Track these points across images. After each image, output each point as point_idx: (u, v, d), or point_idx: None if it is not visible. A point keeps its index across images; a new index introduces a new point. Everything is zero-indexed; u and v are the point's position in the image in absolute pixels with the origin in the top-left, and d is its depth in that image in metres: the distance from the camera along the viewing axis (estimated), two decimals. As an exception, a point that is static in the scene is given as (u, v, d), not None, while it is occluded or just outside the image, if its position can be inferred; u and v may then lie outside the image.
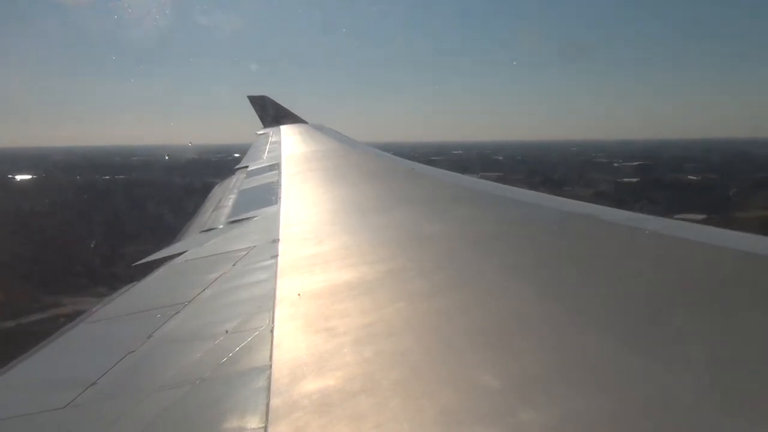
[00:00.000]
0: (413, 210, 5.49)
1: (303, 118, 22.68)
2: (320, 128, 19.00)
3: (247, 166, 13.07)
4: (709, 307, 2.35)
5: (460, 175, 8.62)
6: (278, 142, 16.28)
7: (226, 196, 10.01)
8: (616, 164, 67.63)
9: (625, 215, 4.13)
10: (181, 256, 5.38)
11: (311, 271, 3.73)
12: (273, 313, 3.02)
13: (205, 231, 7.04)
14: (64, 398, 2.49)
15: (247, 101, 24.04)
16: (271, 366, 2.37)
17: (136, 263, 6.09)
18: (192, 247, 5.84)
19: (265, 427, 1.91)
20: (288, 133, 18.43)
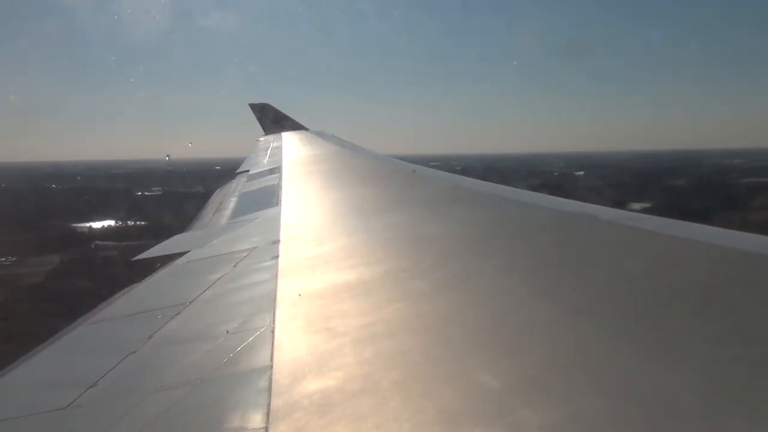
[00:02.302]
0: (413, 211, 5.50)
1: (304, 125, 22.65)
2: (321, 134, 19.01)
3: (248, 170, 13.10)
4: (708, 307, 2.34)
5: (460, 177, 8.63)
6: (279, 147, 16.32)
7: (226, 199, 10.03)
8: (555, 173, 73.40)
9: (624, 215, 4.14)
10: (183, 257, 5.39)
11: (312, 272, 3.74)
12: (274, 313, 3.03)
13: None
14: (66, 398, 2.50)
15: (248, 108, 24.08)
16: (271, 366, 2.37)
17: (136, 258, 6.11)
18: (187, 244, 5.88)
19: (266, 428, 1.91)
20: (289, 138, 18.47)
